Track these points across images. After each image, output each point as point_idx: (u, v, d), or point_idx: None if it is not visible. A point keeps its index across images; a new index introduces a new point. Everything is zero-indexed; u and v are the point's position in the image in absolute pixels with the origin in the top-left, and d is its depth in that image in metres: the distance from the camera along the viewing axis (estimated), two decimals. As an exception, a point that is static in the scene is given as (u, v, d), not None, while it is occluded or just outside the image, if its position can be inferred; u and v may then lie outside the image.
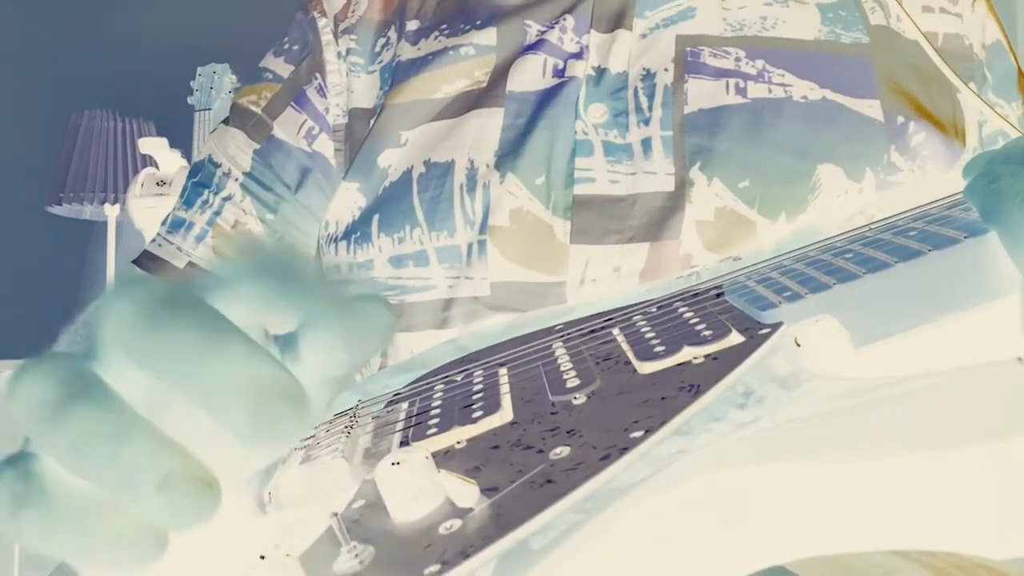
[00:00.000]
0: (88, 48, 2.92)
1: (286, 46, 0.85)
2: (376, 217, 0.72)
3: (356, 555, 0.32)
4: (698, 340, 0.43)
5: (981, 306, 0.40)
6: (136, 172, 2.47)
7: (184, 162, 2.41)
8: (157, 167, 2.41)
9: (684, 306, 0.50)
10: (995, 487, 0.32)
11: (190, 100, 2.54)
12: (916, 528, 0.32)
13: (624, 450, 0.34)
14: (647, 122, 0.68)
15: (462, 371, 0.52)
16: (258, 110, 0.82)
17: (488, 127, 0.71)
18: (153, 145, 2.42)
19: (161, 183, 2.34)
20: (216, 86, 2.53)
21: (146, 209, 2.30)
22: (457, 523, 0.33)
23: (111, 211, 2.51)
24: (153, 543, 0.28)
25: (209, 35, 2.81)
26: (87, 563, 0.28)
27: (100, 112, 2.57)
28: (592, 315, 0.55)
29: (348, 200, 0.75)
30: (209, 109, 2.50)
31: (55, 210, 2.55)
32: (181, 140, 2.48)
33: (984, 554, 0.32)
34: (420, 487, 0.34)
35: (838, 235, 0.54)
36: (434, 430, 0.43)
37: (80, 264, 2.79)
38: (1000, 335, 0.40)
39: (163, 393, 0.29)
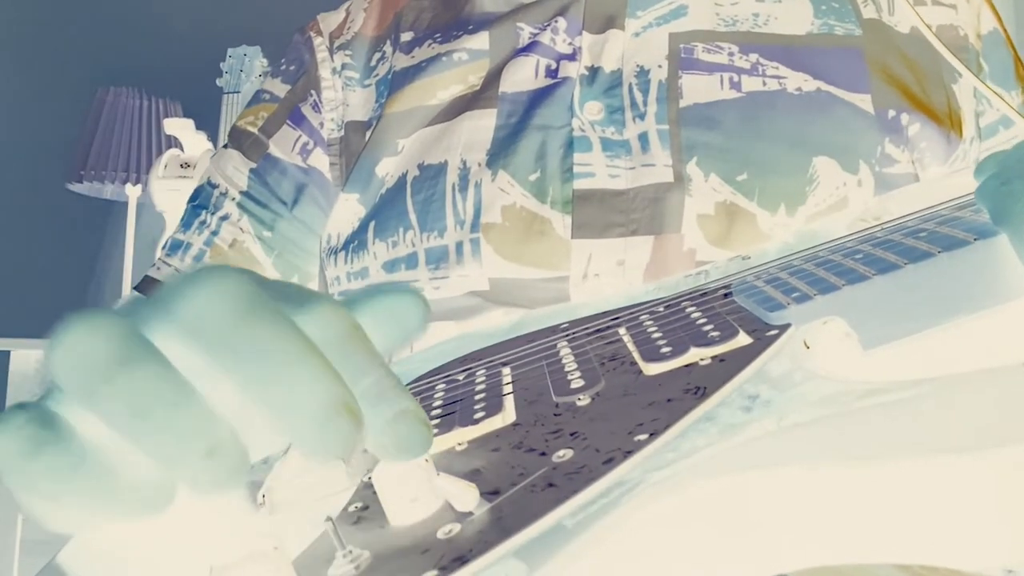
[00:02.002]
0: (117, 23, 2.89)
1: (283, 67, 0.86)
2: (372, 224, 0.72)
3: (352, 560, 0.32)
4: (705, 341, 0.42)
5: (990, 309, 0.40)
6: (160, 153, 2.44)
7: (210, 145, 2.39)
8: (182, 149, 2.38)
9: (692, 306, 0.49)
10: (1005, 494, 0.31)
11: (219, 82, 2.51)
12: (921, 538, 0.32)
13: (628, 453, 0.34)
14: (642, 117, 0.68)
15: (464, 370, 0.52)
16: (255, 130, 0.83)
17: (481, 128, 0.71)
18: (179, 126, 2.39)
19: (185, 165, 2.31)
20: (246, 69, 2.50)
21: (168, 191, 2.27)
22: (456, 527, 0.32)
23: (132, 191, 2.48)
24: (164, 496, 0.30)
25: (241, 17, 2.80)
26: (96, 509, 0.29)
27: (126, 90, 2.55)
28: (598, 314, 0.55)
29: (348, 211, 0.75)
30: (238, 92, 2.48)
31: (75, 187, 2.51)
32: (208, 122, 2.45)
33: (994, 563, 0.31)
34: (419, 491, 0.34)
35: (848, 235, 0.53)
36: (435, 430, 0.42)
37: (98, 245, 2.78)
38: (1009, 338, 0.40)
39: (214, 376, 0.29)
